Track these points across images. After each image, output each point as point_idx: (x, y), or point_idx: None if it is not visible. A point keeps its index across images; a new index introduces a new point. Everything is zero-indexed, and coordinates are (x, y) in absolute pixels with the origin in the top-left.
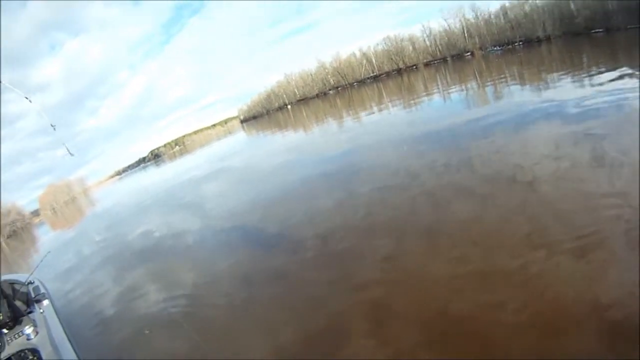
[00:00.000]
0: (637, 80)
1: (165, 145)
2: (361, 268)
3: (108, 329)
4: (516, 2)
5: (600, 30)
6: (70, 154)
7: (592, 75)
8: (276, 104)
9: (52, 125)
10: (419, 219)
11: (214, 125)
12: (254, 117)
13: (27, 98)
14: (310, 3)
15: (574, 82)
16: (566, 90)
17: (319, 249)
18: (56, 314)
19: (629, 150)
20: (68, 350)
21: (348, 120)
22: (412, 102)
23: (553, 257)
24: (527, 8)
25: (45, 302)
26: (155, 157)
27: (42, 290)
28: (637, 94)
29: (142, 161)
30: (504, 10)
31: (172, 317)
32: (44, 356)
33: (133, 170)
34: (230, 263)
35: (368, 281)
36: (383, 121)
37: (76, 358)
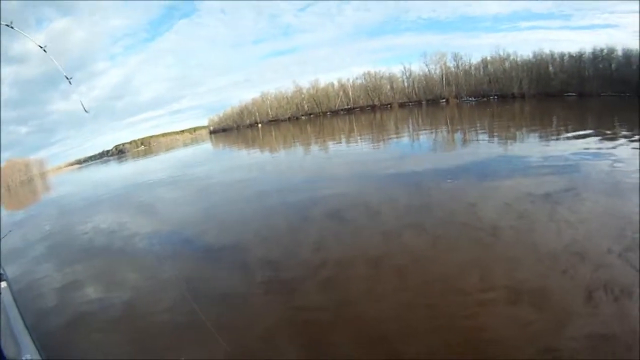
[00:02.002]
0: (600, 144)
1: (130, 143)
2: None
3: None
4: (497, 57)
5: (574, 94)
6: (85, 110)
7: (559, 135)
8: (247, 121)
9: (67, 78)
10: (369, 251)
11: (182, 131)
12: (224, 130)
13: (41, 47)
14: (299, 27)
15: (540, 140)
16: (531, 146)
17: (266, 270)
18: (12, 295)
19: (581, 209)
20: (24, 334)
21: (315, 149)
22: (381, 140)
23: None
24: (506, 64)
25: (3, 284)
26: (119, 152)
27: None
28: (596, 155)
29: (105, 154)
30: (484, 64)
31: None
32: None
33: (95, 162)
34: (173, 274)
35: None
36: (350, 155)
37: (32, 341)
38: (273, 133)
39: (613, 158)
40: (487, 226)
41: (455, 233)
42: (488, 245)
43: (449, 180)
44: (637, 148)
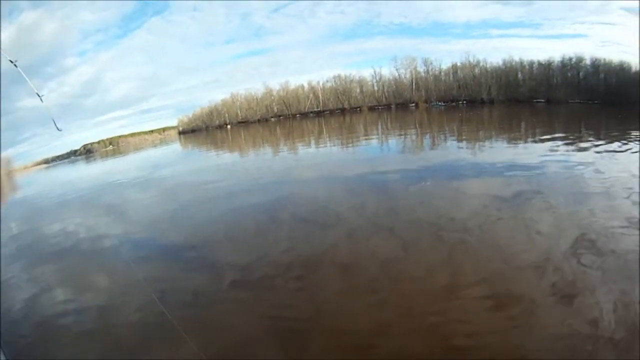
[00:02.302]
0: (567, 149)
1: (99, 142)
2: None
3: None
4: (467, 63)
5: (542, 100)
6: (58, 129)
7: (527, 140)
8: (217, 122)
9: (39, 95)
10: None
11: (151, 132)
12: (193, 131)
13: (38, 95)
14: (271, 29)
15: (508, 144)
16: (499, 150)
17: (236, 272)
18: None
19: (547, 211)
20: None
21: (284, 151)
22: (350, 142)
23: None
24: (476, 71)
25: None
26: (87, 152)
27: None
28: (562, 160)
29: (73, 154)
30: (454, 69)
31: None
32: None
33: (62, 161)
34: (142, 276)
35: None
36: (319, 157)
37: None
38: (242, 135)
39: (579, 163)
40: (455, 227)
41: (424, 235)
42: (456, 247)
43: (428, 183)
44: (600, 152)
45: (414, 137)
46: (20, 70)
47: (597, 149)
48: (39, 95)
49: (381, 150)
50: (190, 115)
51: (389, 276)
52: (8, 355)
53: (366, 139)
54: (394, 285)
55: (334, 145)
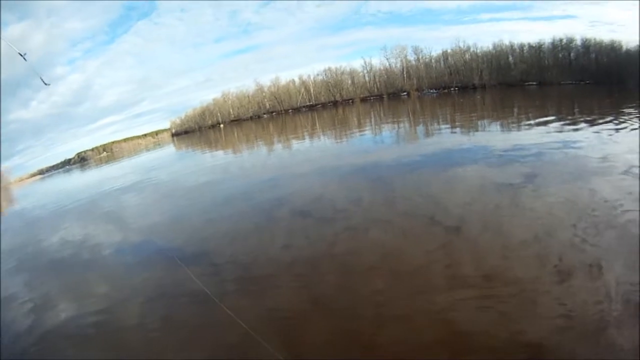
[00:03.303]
0: (561, 130)
1: (92, 150)
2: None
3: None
4: (458, 49)
5: (534, 83)
6: (45, 83)
7: (521, 123)
8: (209, 122)
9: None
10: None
11: (144, 135)
12: (186, 132)
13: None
14: (260, 24)
15: (502, 128)
16: (494, 135)
17: (238, 272)
18: None
19: (545, 194)
20: None
21: (278, 147)
22: (344, 135)
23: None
24: (467, 56)
25: None
26: (81, 160)
27: None
28: (557, 141)
29: (67, 163)
30: (445, 56)
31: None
32: None
33: (57, 171)
34: (143, 281)
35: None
36: (313, 151)
37: None
38: (236, 133)
39: (574, 143)
40: (453, 215)
41: (422, 225)
42: (455, 234)
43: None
44: (597, 132)
45: (407, 126)
46: (30, 64)
47: (593, 129)
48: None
49: (375, 141)
50: (183, 117)
51: (389, 266)
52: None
53: (360, 131)
54: (393, 275)
55: (328, 139)
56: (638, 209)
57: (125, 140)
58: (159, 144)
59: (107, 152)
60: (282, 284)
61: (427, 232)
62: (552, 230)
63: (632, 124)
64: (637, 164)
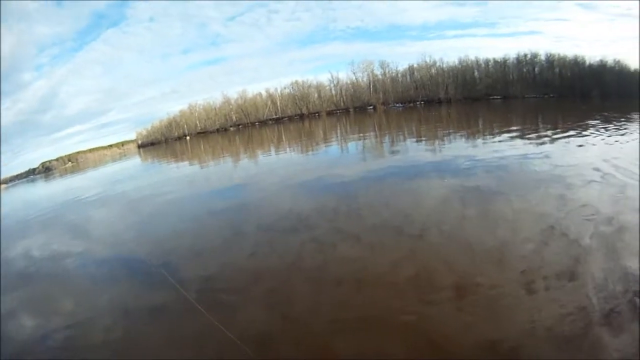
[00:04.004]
0: (526, 142)
1: (57, 159)
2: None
3: None
4: (424, 64)
5: (499, 97)
6: None
7: (486, 136)
8: (176, 133)
9: None
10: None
11: (110, 146)
12: (152, 144)
13: None
14: (228, 37)
15: (467, 141)
16: (458, 148)
17: (203, 286)
18: None
19: (509, 204)
20: None
21: (244, 160)
22: (310, 148)
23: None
24: (433, 71)
25: None
26: (46, 170)
27: None
28: (522, 153)
29: (32, 172)
30: (411, 70)
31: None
32: None
33: (21, 181)
34: (110, 296)
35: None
36: (279, 164)
37: None
38: (202, 145)
39: (539, 154)
40: (419, 226)
41: (390, 237)
42: (422, 245)
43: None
44: (561, 142)
45: (373, 139)
46: None
47: (558, 141)
48: None
49: (341, 155)
50: (149, 128)
51: (356, 278)
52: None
53: (326, 144)
54: (362, 287)
55: (295, 152)
56: (638, 213)
57: (90, 150)
58: (125, 155)
59: (72, 163)
60: (248, 297)
61: (394, 242)
62: (517, 237)
63: (595, 134)
64: (601, 172)
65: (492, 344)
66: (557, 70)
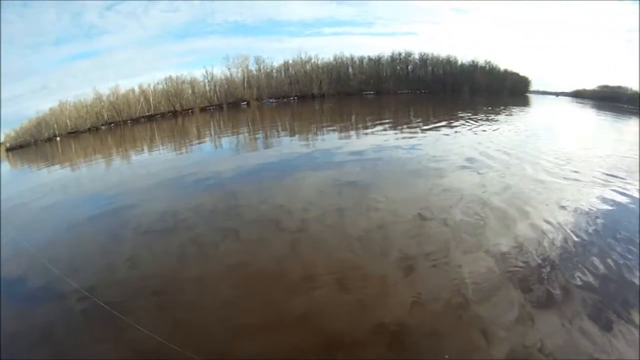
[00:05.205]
0: (392, 136)
1: None
2: None
3: None
4: (299, 60)
5: (372, 92)
6: None
7: (359, 129)
8: (46, 134)
9: None
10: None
11: None
12: (21, 147)
13: None
14: (103, 28)
15: (340, 133)
16: (331, 141)
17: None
18: None
19: (385, 192)
20: None
21: (116, 161)
22: (183, 146)
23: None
24: (307, 67)
25: None
26: None
27: None
28: (395, 144)
29: None
30: (286, 66)
31: None
32: None
33: None
34: None
35: None
36: (152, 164)
37: None
38: (73, 147)
39: (410, 144)
40: (298, 220)
41: (269, 231)
42: (303, 238)
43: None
44: (432, 133)
45: (246, 135)
46: None
47: (429, 133)
48: None
49: (215, 151)
50: (18, 129)
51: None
52: None
53: (199, 142)
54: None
55: (167, 150)
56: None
57: None
58: None
59: None
60: (135, 303)
61: (275, 237)
62: (394, 224)
63: (464, 126)
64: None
65: (380, 325)
66: (430, 68)
